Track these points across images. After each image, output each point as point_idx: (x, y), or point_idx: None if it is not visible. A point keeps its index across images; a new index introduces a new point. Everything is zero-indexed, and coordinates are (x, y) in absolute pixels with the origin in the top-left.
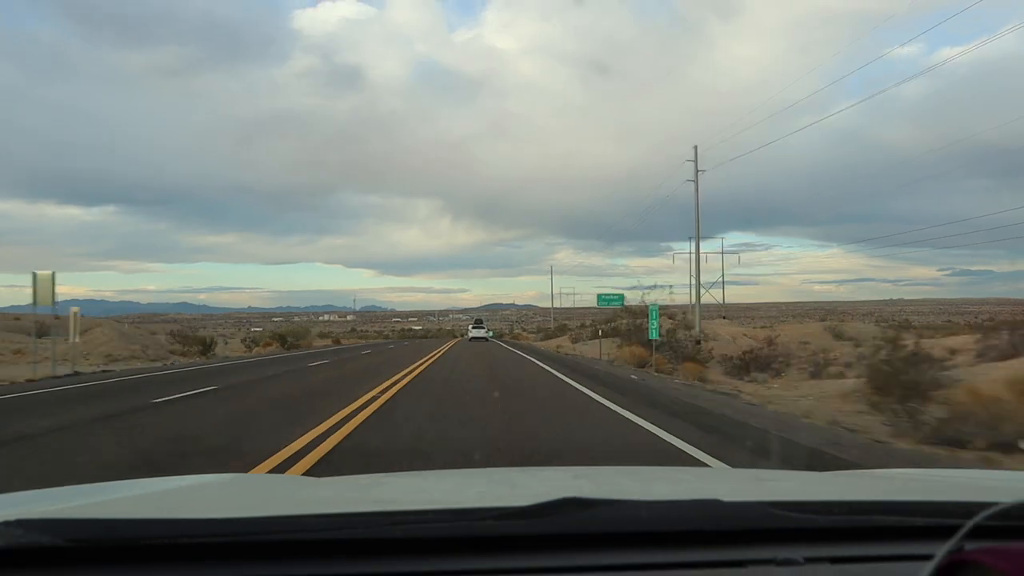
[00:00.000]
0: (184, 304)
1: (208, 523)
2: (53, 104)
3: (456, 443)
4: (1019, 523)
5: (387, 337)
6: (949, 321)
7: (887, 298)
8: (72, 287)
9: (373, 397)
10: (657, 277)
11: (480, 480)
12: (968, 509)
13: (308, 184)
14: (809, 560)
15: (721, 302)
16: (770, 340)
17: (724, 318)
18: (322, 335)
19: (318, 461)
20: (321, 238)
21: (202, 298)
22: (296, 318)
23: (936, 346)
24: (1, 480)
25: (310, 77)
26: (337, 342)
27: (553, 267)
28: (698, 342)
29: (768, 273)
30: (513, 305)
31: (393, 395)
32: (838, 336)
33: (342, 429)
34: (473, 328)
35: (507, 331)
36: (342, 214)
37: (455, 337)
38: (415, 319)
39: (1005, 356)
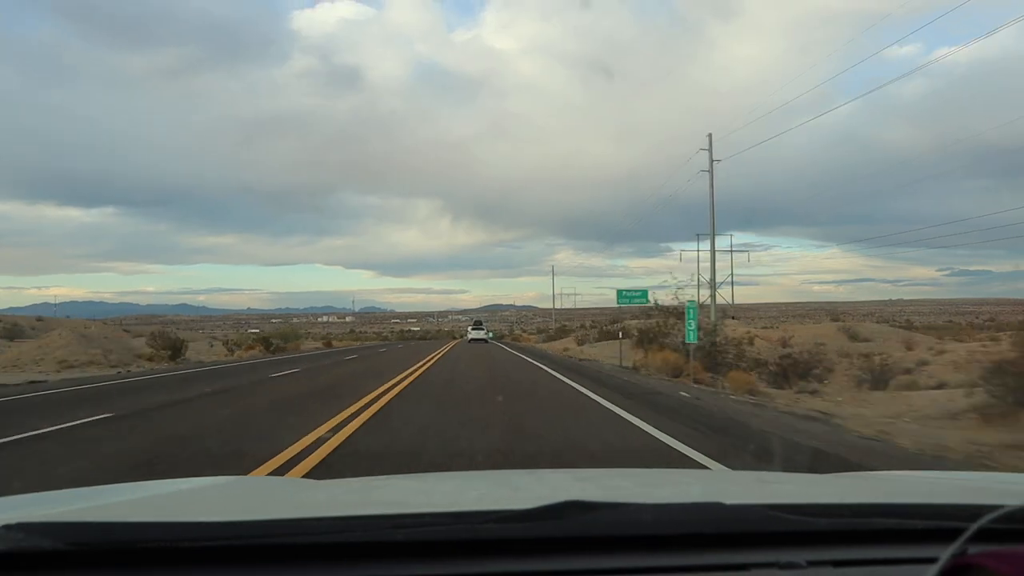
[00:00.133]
0: (184, 305)
1: (206, 526)
2: (53, 105)
3: None
4: (1023, 526)
5: (385, 339)
6: (951, 321)
7: (886, 298)
8: (71, 289)
9: (316, 441)
10: (657, 278)
11: (481, 483)
12: (972, 512)
13: (308, 185)
14: (812, 563)
15: (730, 302)
16: (784, 342)
17: (733, 318)
18: (315, 337)
19: None
20: (321, 239)
21: (201, 299)
22: (295, 319)
23: None
24: None
25: (309, 77)
26: (328, 345)
27: (554, 268)
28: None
29: (768, 274)
30: (513, 306)
31: (350, 435)
32: (853, 337)
33: None
34: (473, 329)
35: (507, 332)
36: (342, 215)
37: (454, 338)
38: (414, 320)
39: None
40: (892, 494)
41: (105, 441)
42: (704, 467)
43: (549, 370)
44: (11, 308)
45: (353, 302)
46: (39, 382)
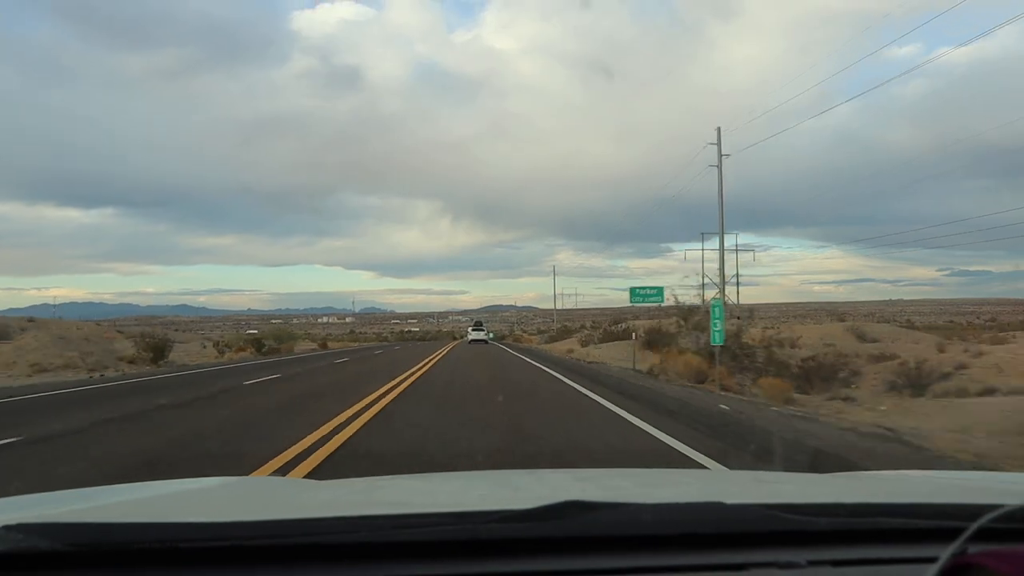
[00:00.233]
0: (184, 306)
1: (207, 527)
2: (52, 106)
3: None
4: (1023, 526)
5: (384, 339)
6: (951, 321)
7: (886, 298)
8: (71, 290)
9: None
10: (658, 278)
11: (482, 483)
12: (972, 511)
13: (307, 185)
14: (811, 563)
15: (736, 302)
16: (793, 343)
17: (738, 319)
18: (314, 338)
19: None
20: (320, 240)
21: (202, 300)
22: (295, 320)
23: None
24: None
25: (309, 78)
26: (323, 346)
27: (555, 268)
28: (740, 346)
29: (768, 274)
30: (513, 307)
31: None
32: (860, 337)
33: None
34: (473, 330)
35: (507, 333)
36: (342, 215)
37: (454, 339)
38: (414, 321)
39: None
40: (892, 494)
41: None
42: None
43: (563, 377)
44: (11, 309)
45: (353, 303)
46: None
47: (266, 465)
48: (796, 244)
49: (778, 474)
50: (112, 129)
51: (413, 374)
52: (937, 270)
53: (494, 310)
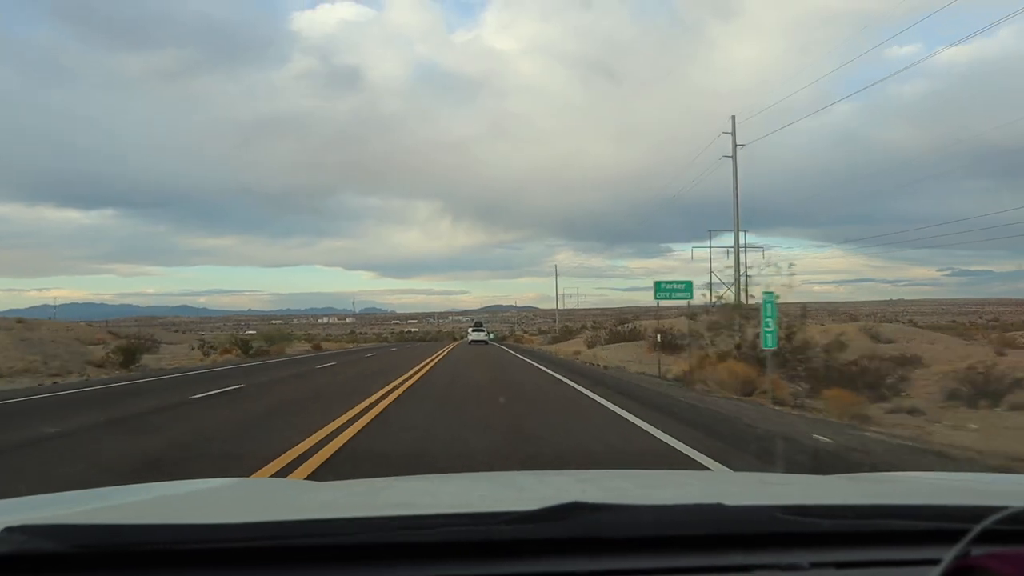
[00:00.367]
0: (184, 307)
1: (215, 528)
2: (52, 107)
3: None
4: None
5: (384, 340)
6: (953, 321)
7: (887, 298)
8: (71, 290)
9: None
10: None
11: (484, 484)
12: (975, 513)
13: (307, 186)
14: (814, 565)
15: (745, 302)
16: (829, 347)
17: (748, 319)
18: (313, 338)
19: None
20: (321, 240)
21: (202, 301)
22: (296, 320)
23: None
24: None
25: (309, 79)
26: (317, 347)
27: (556, 268)
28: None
29: (773, 273)
30: (513, 307)
31: None
32: (875, 338)
33: None
34: (473, 331)
35: (508, 333)
36: (342, 216)
37: (454, 340)
38: (415, 321)
39: None
40: (895, 495)
41: None
42: None
43: (584, 390)
44: (12, 310)
45: (354, 303)
46: None
47: None
48: (796, 244)
49: (781, 475)
50: (112, 130)
51: (405, 381)
52: (938, 270)
53: (494, 310)
